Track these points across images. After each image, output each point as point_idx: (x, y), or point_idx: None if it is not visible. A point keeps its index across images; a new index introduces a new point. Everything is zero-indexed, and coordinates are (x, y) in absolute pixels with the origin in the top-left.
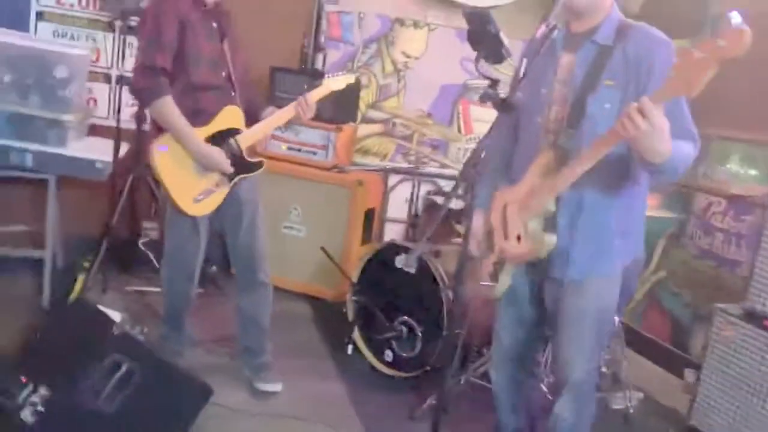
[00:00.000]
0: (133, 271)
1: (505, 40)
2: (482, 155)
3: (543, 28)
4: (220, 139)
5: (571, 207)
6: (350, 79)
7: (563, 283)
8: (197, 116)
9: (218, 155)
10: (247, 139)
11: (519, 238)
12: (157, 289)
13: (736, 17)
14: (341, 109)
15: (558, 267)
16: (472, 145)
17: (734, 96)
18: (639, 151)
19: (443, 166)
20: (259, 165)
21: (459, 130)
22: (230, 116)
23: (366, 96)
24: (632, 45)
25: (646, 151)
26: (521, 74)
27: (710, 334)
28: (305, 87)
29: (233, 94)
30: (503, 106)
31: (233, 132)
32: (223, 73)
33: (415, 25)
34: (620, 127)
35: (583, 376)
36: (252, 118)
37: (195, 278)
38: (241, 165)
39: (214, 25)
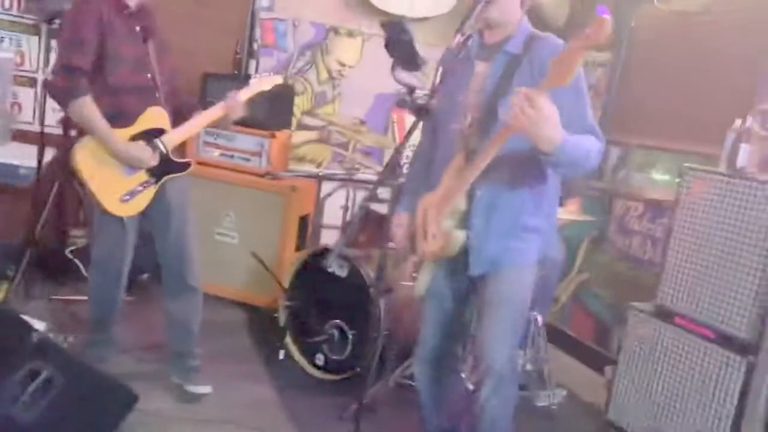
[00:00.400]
0: (59, 279)
1: (419, 49)
2: (403, 160)
3: (458, 38)
4: (144, 139)
5: (486, 206)
6: (277, 79)
7: (481, 277)
8: (119, 118)
9: (140, 150)
10: (173, 139)
11: (434, 236)
12: (84, 298)
13: (601, 10)
14: (275, 115)
15: (476, 264)
16: (407, 153)
17: (655, 106)
18: (532, 140)
19: (378, 172)
20: (186, 165)
21: (393, 139)
22: (154, 117)
23: (301, 103)
24: (537, 54)
25: (537, 138)
26: (437, 81)
27: (625, 332)
28: (234, 89)
29: (158, 95)
30: (418, 111)
31: (158, 132)
32: (148, 75)
33: (350, 34)
34: (510, 116)
35: (503, 363)
36: (183, 122)
37: (122, 283)
38: (168, 165)
39: (137, 28)
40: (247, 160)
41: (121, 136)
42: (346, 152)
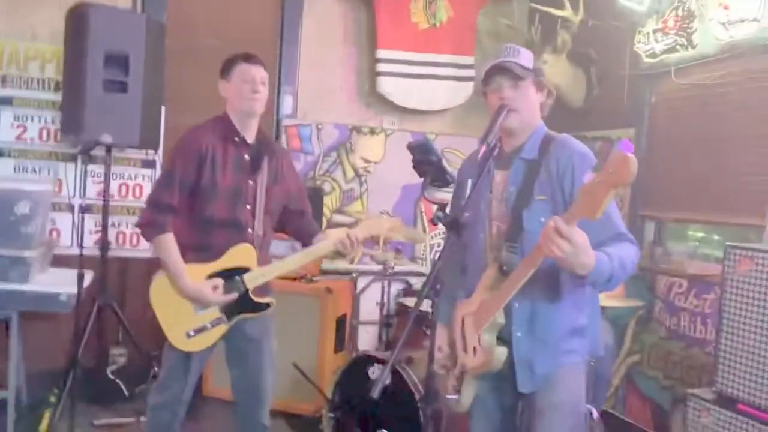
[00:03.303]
0: (102, 401)
1: (448, 167)
2: (439, 273)
3: (484, 149)
4: (225, 276)
5: (526, 318)
6: (393, 223)
7: (532, 393)
8: (205, 251)
9: (206, 291)
10: (255, 278)
11: (475, 350)
12: (128, 420)
13: (625, 146)
14: None
15: (525, 382)
16: (437, 241)
17: (682, 179)
18: (565, 267)
19: (413, 260)
20: (265, 306)
21: (423, 230)
22: (240, 254)
23: (330, 202)
24: (554, 158)
25: (570, 266)
26: (468, 194)
27: (687, 421)
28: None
29: (250, 231)
30: (454, 226)
31: (242, 270)
32: (247, 206)
33: (372, 131)
34: (545, 248)
35: None
36: (305, 244)
37: (180, 411)
38: (245, 304)
39: (247, 157)
40: None
41: (198, 272)
42: (375, 252)
